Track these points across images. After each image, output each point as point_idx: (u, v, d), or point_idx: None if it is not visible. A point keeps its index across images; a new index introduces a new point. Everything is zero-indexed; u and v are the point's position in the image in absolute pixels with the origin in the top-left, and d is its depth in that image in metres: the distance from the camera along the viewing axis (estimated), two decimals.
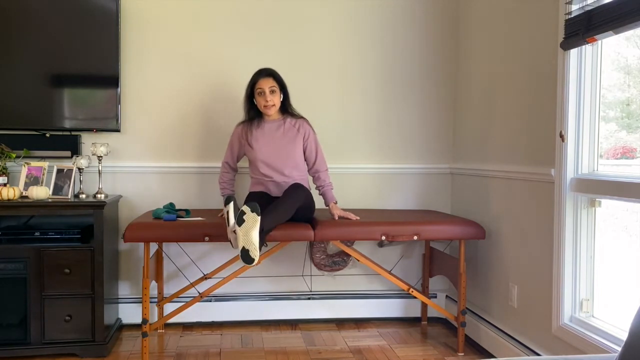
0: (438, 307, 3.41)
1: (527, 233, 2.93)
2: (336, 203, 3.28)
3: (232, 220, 2.75)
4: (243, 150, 3.30)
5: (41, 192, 3.15)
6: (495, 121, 3.29)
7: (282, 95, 3.22)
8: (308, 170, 3.33)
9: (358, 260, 3.34)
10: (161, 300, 3.58)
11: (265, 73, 3.18)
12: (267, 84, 3.15)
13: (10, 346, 3.08)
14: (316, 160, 3.29)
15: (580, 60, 2.54)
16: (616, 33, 2.23)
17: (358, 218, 3.17)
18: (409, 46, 3.85)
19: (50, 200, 3.19)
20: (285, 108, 3.27)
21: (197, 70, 3.68)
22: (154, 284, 3.58)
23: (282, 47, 3.74)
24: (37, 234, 3.19)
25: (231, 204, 2.78)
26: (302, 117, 3.30)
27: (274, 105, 3.17)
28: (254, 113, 3.25)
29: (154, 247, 3.49)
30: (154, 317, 3.61)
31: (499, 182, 3.24)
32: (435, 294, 3.90)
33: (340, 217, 3.17)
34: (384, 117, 3.85)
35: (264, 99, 3.15)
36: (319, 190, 3.30)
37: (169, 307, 3.59)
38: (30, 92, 3.42)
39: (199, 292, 3.37)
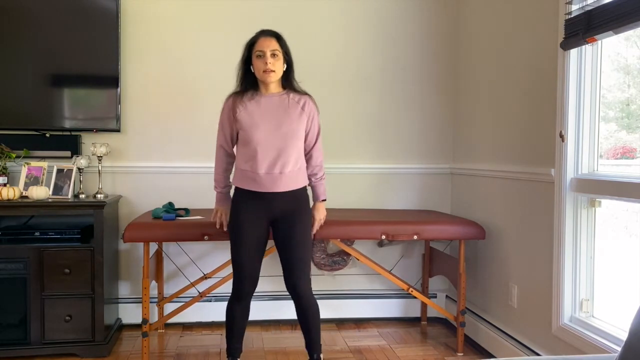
0: (438, 307, 3.41)
1: (527, 233, 2.93)
2: (324, 201, 2.88)
3: None
4: (235, 127, 2.70)
5: (41, 192, 3.15)
6: (495, 121, 3.29)
7: (285, 65, 2.68)
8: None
9: (358, 260, 3.34)
10: (161, 300, 3.58)
11: (269, 33, 2.64)
12: (268, 46, 2.59)
13: (10, 346, 3.08)
14: (314, 145, 2.78)
15: (580, 60, 2.54)
16: (616, 33, 2.23)
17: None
18: (410, 46, 3.85)
19: (50, 200, 3.19)
20: (289, 81, 2.71)
21: (197, 70, 3.67)
22: (154, 284, 3.58)
23: None
24: (37, 234, 3.19)
25: None
26: (306, 94, 2.76)
27: (274, 71, 2.61)
28: (249, 83, 2.69)
29: (153, 247, 3.49)
30: (154, 317, 3.61)
31: (499, 182, 3.24)
32: (435, 294, 3.90)
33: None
34: (384, 117, 3.85)
35: (263, 61, 2.58)
36: (310, 181, 2.81)
37: (169, 307, 3.59)
38: (30, 92, 3.42)
39: (199, 291, 3.37)
